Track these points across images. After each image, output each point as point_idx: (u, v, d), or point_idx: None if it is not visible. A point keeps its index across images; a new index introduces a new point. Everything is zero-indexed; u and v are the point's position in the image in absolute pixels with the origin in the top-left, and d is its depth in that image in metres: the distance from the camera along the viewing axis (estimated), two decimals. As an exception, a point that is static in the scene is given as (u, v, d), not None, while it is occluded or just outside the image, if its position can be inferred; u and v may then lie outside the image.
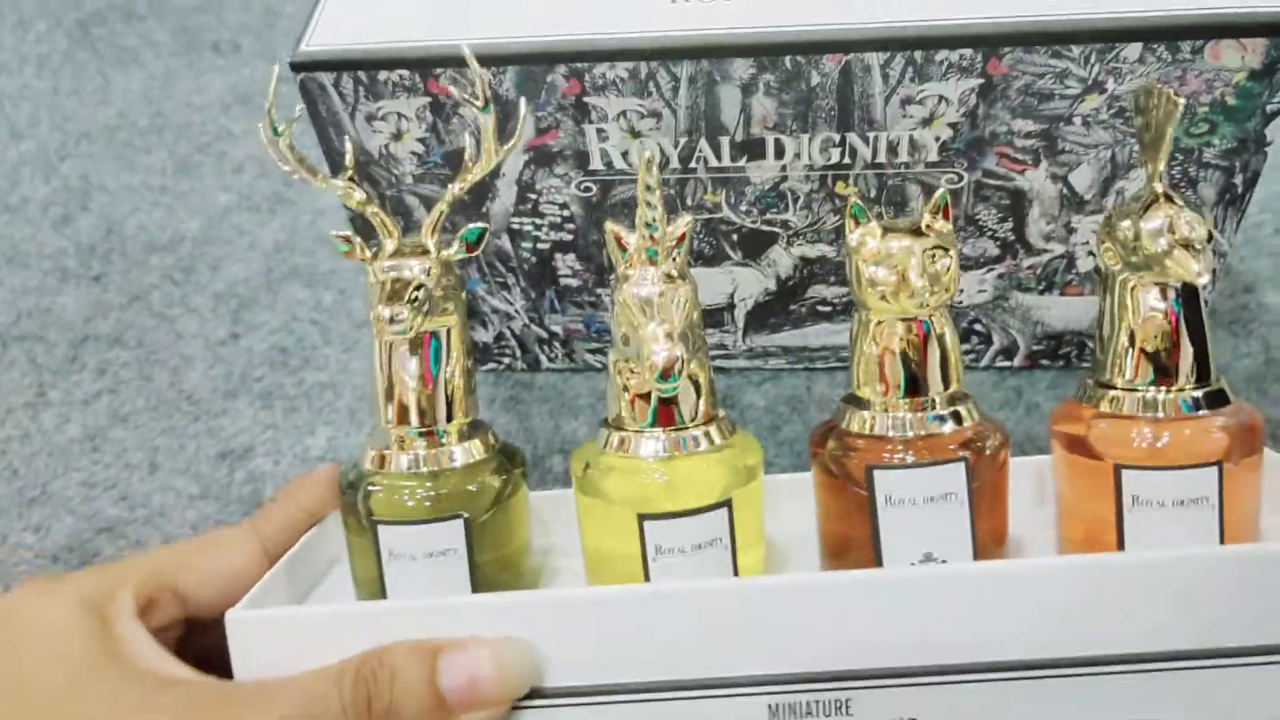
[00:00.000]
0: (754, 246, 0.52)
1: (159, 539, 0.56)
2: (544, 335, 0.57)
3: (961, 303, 0.53)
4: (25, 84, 0.83)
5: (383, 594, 0.40)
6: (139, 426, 0.60)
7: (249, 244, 0.69)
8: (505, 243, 0.53)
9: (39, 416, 0.61)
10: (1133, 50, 0.42)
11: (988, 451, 0.39)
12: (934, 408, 0.39)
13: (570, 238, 0.52)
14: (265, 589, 0.39)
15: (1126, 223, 0.38)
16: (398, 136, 0.48)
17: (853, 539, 0.40)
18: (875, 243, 0.39)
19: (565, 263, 0.53)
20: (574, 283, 0.54)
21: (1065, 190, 0.48)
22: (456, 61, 0.45)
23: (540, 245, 0.53)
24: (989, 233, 0.50)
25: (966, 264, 0.51)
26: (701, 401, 0.39)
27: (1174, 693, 0.35)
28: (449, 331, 0.41)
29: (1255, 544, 0.39)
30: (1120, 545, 0.39)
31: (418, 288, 0.39)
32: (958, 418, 0.39)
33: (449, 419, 0.40)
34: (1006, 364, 0.56)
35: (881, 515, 0.39)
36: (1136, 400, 0.39)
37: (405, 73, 0.46)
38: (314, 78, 0.46)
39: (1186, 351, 0.39)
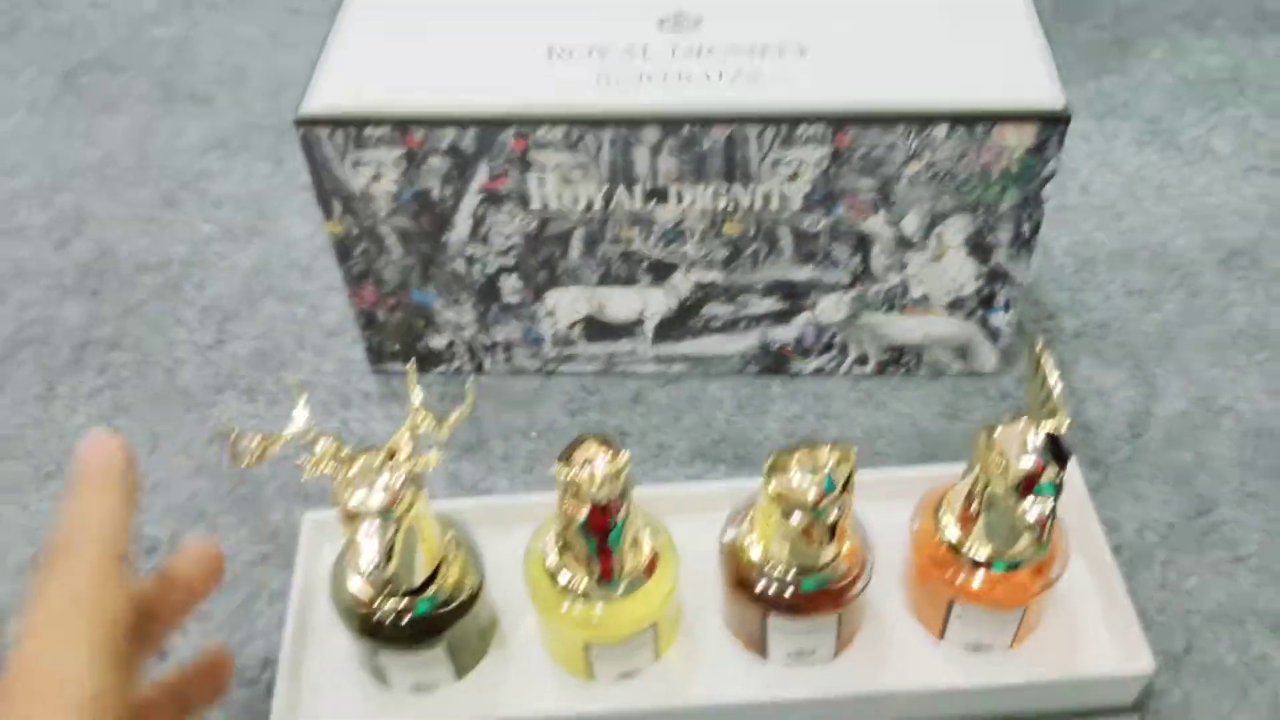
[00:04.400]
0: (660, 272, 0.65)
1: (161, 506, 0.66)
2: (488, 344, 0.70)
3: (824, 320, 0.67)
4: (17, 125, 0.94)
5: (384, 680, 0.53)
6: (140, 416, 0.71)
7: (229, 267, 0.81)
8: (460, 267, 0.65)
9: (49, 408, 0.72)
10: (940, 130, 0.57)
11: (852, 594, 0.50)
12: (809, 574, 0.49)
13: (514, 263, 0.65)
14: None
15: (1002, 489, 0.46)
16: (377, 178, 0.61)
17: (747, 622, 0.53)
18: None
19: (509, 284, 0.66)
20: (515, 299, 0.67)
21: (898, 234, 0.62)
22: (429, 121, 0.58)
23: (488, 269, 0.65)
24: (842, 265, 0.64)
25: (827, 289, 0.65)
26: (629, 559, 0.49)
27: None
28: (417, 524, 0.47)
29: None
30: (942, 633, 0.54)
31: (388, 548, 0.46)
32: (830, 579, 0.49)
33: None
34: (861, 370, 0.71)
35: (770, 633, 0.52)
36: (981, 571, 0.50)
37: (387, 129, 0.59)
38: (313, 131, 0.59)
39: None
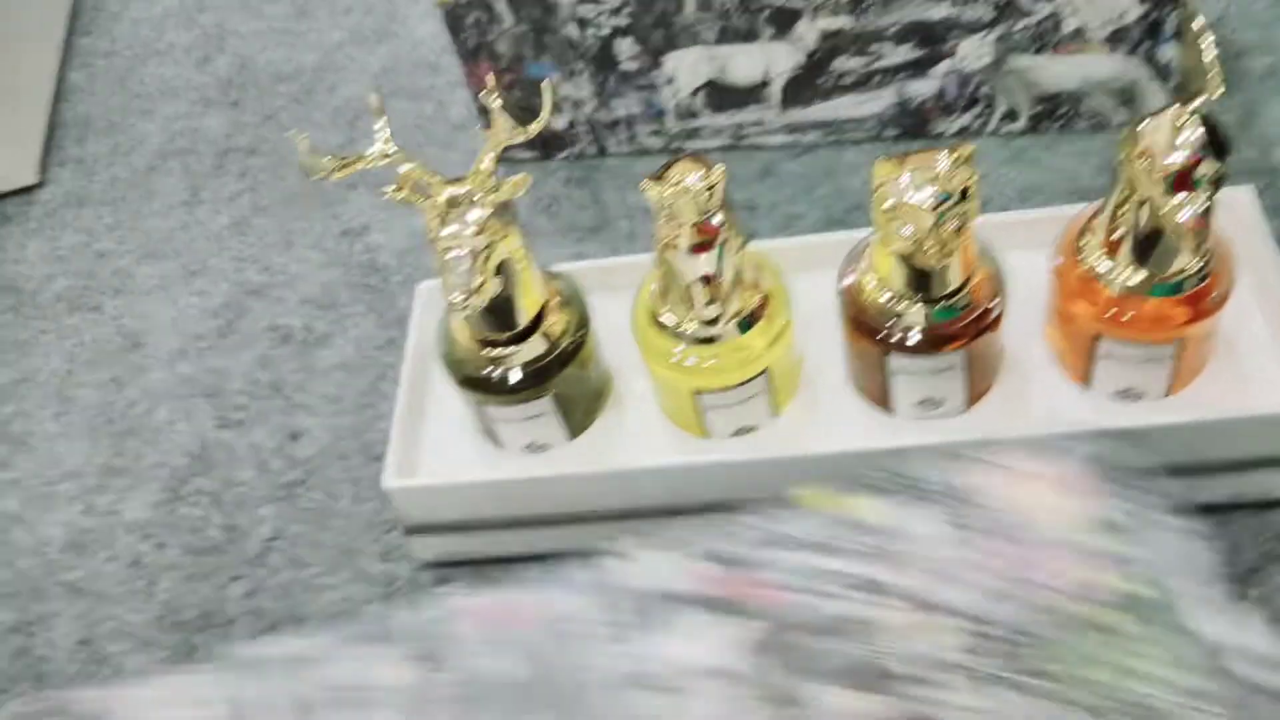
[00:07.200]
0: (783, 22, 0.60)
1: (296, 298, 0.67)
2: (609, 121, 0.67)
3: (966, 68, 0.61)
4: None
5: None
6: (275, 215, 0.72)
7: (359, 70, 0.80)
8: (574, 31, 0.62)
9: (195, 211, 0.74)
10: None
11: (981, 327, 0.45)
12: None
13: (628, 21, 0.61)
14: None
15: (1150, 192, 0.40)
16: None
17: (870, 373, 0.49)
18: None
19: (624, 47, 0.63)
20: (633, 66, 0.64)
21: (1046, -50, 0.55)
22: None
23: (602, 32, 0.62)
24: (983, -3, 0.58)
25: (967, 29, 0.59)
26: (737, 297, 0.46)
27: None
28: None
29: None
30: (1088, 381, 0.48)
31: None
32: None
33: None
34: (1011, 127, 0.64)
35: (894, 377, 0.48)
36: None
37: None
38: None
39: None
